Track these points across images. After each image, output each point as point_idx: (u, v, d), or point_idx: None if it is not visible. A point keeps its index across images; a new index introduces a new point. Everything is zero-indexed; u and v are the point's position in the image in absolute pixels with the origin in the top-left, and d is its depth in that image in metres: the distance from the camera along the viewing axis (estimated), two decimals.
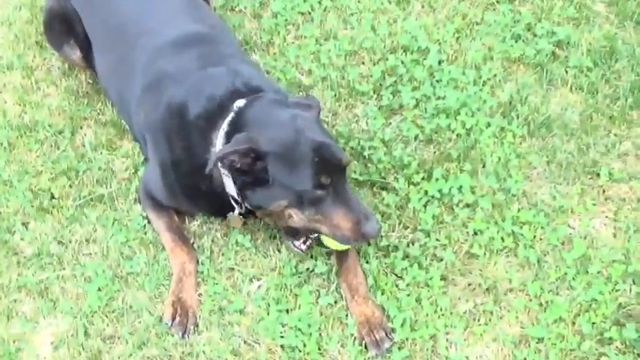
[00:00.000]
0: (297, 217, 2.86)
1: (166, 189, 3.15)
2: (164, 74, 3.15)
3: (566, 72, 3.66)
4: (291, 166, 2.76)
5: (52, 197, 3.36)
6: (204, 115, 2.96)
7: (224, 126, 2.89)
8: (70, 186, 3.39)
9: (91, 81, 3.74)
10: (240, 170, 2.80)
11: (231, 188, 2.92)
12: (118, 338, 2.99)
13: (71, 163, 3.44)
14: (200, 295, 3.08)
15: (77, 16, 3.55)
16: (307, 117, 2.89)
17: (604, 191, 3.28)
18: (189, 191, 3.09)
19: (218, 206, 3.09)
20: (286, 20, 3.92)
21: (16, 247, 3.25)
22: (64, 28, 3.61)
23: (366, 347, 2.91)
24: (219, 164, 2.80)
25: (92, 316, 3.04)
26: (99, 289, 3.09)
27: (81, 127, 3.59)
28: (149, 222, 3.26)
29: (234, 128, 2.86)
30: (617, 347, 2.86)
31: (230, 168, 2.81)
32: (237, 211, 3.04)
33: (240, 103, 2.92)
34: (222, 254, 3.18)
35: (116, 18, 3.43)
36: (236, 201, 2.97)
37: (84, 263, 3.18)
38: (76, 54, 3.64)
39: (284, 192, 2.80)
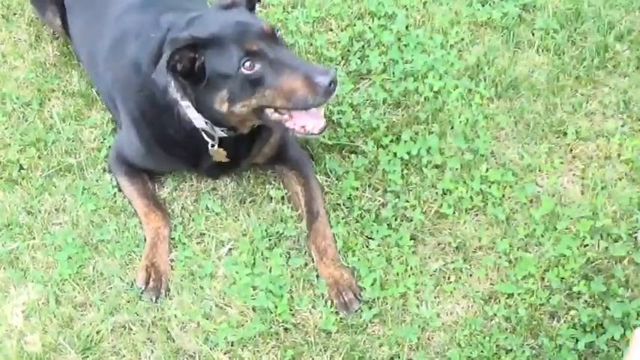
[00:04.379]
0: (252, 104, 2.76)
1: (143, 145, 3.12)
2: (126, 31, 3.11)
3: (533, 34, 3.67)
4: (221, 52, 2.70)
5: (21, 168, 3.34)
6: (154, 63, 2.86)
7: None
8: (39, 157, 3.37)
9: (58, 53, 3.71)
10: (184, 72, 2.74)
11: (193, 114, 2.86)
12: (90, 305, 2.99)
13: (39, 135, 3.42)
14: (171, 260, 3.08)
15: None
16: (232, 10, 2.88)
17: (571, 150, 3.30)
18: (163, 141, 3.05)
19: (193, 152, 3.04)
20: None
21: None
22: None
23: (336, 308, 2.93)
24: (167, 70, 2.69)
25: (63, 284, 3.03)
26: (69, 258, 3.08)
27: (49, 99, 3.57)
28: (120, 190, 3.25)
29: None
30: (585, 301, 2.89)
31: (174, 72, 2.73)
32: (210, 144, 2.97)
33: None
34: (193, 220, 3.18)
35: None
36: (208, 134, 2.93)
37: (54, 232, 3.16)
38: (57, 20, 3.62)
39: (221, 81, 2.73)
